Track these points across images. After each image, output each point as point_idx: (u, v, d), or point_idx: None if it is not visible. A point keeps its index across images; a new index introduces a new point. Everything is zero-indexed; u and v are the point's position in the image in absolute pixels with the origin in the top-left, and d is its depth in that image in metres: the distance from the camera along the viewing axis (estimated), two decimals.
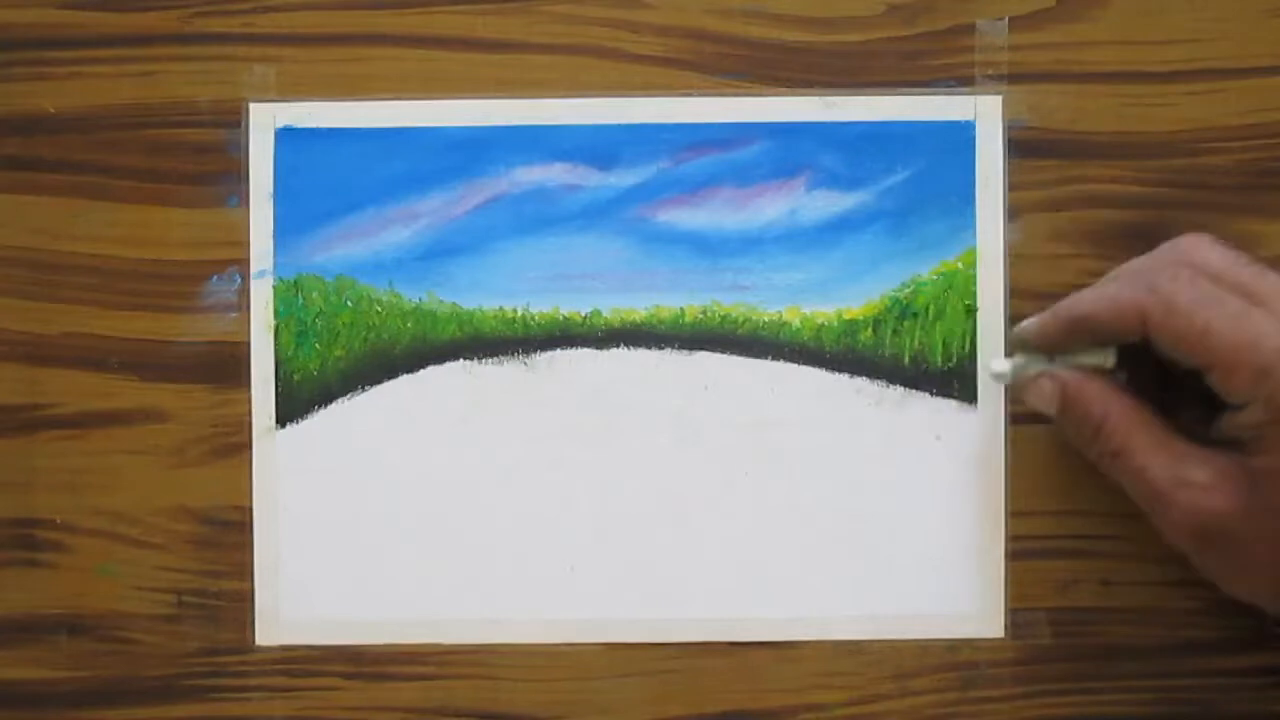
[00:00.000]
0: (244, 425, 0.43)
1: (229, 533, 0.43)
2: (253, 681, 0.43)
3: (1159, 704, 0.43)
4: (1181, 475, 0.37)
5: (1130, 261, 0.40)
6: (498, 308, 0.43)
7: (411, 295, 0.43)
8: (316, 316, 0.43)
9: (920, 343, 0.43)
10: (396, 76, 0.43)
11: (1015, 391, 0.41)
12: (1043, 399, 0.40)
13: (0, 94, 0.43)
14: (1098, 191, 0.43)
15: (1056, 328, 0.39)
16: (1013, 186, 0.43)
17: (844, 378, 0.43)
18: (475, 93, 0.43)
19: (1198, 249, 0.38)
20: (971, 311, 0.43)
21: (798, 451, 0.43)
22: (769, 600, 0.43)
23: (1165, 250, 0.39)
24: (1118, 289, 0.38)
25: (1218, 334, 0.36)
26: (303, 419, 0.43)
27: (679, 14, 0.43)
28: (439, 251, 0.43)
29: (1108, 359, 0.39)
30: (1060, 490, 0.43)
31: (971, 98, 0.43)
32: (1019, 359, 0.40)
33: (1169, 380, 0.39)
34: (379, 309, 0.43)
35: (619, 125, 0.43)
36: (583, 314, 0.43)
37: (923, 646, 0.43)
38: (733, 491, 0.43)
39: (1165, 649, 0.43)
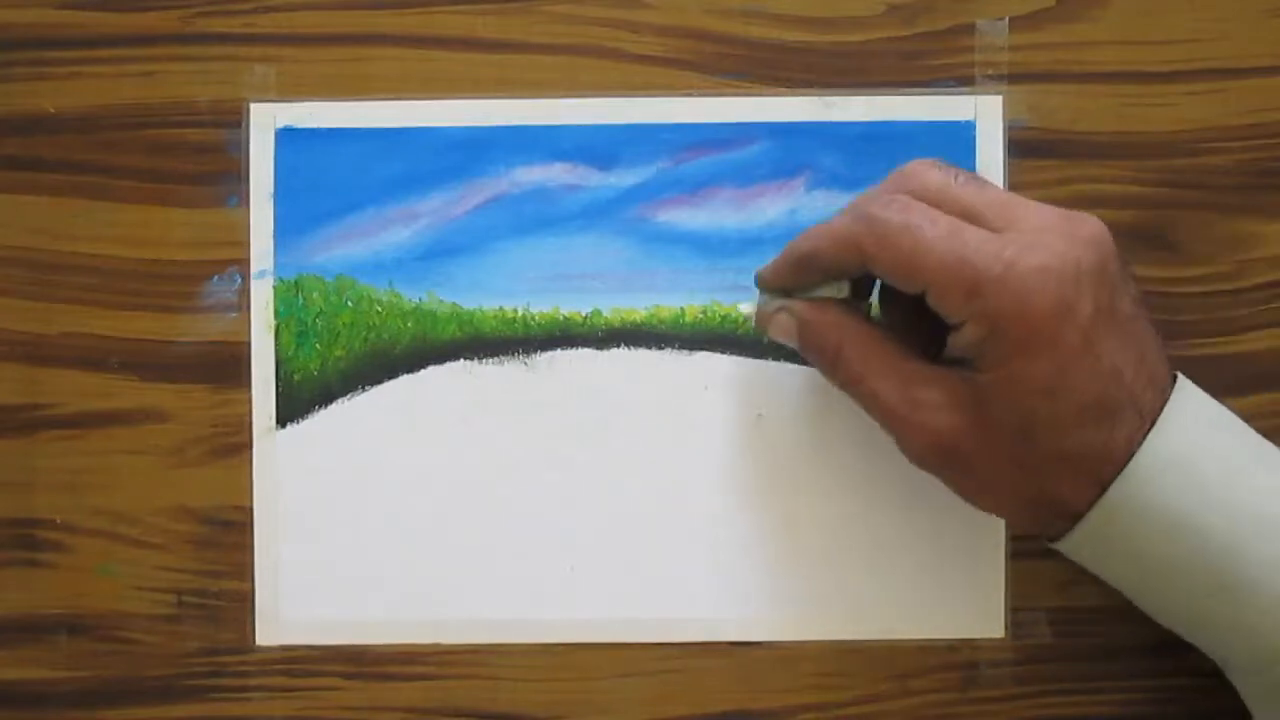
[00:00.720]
0: (244, 425, 0.43)
1: (229, 533, 0.43)
2: (253, 681, 0.43)
3: (1158, 704, 0.43)
4: (913, 397, 0.37)
5: (861, 194, 0.39)
6: (498, 308, 0.43)
7: (411, 295, 0.43)
8: (316, 316, 0.43)
9: None
10: (396, 76, 0.43)
11: (759, 328, 0.40)
12: (781, 331, 0.39)
13: (0, 94, 0.43)
14: (1098, 191, 0.43)
15: (787, 266, 0.39)
16: (1013, 186, 0.43)
17: None
18: (475, 93, 0.43)
19: (916, 173, 0.38)
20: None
21: (798, 451, 0.43)
22: (769, 600, 0.43)
23: (888, 178, 0.38)
24: (839, 222, 0.38)
25: (925, 255, 0.36)
26: (303, 419, 0.43)
27: (679, 14, 0.43)
28: (439, 251, 0.43)
29: (841, 290, 0.39)
30: None
31: (971, 98, 0.43)
32: (762, 298, 0.40)
33: (922, 306, 0.38)
34: (379, 309, 0.43)
35: (619, 125, 0.43)
36: (583, 314, 0.43)
37: (923, 646, 0.43)
38: (732, 491, 0.43)
39: (1165, 649, 0.43)
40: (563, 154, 0.43)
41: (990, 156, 0.43)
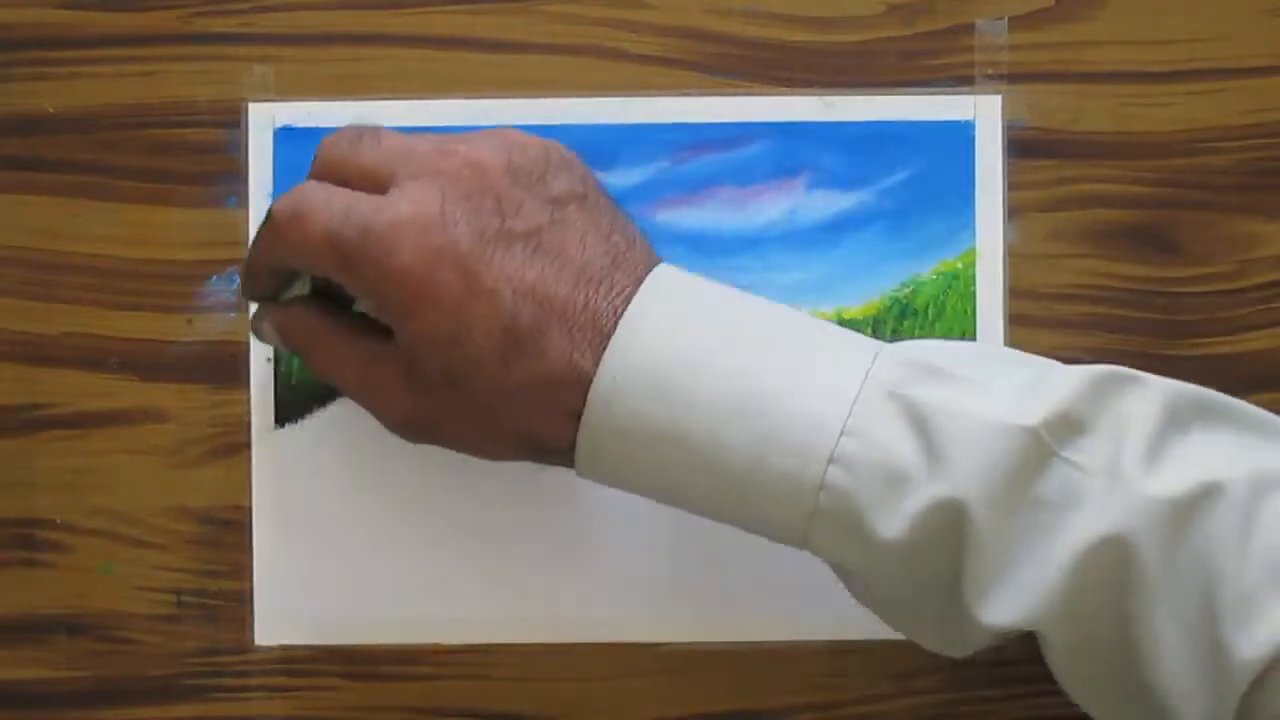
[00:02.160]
0: (244, 425, 0.43)
1: (229, 533, 0.43)
2: (253, 681, 0.43)
3: None
4: (370, 379, 0.36)
5: None
6: None
7: None
8: None
9: None
10: (396, 76, 0.43)
11: (256, 337, 0.40)
12: (268, 337, 0.39)
13: (0, 94, 0.43)
14: (1097, 191, 0.43)
15: (247, 280, 0.39)
16: (1013, 186, 0.43)
17: None
18: (475, 93, 0.43)
19: (323, 149, 0.37)
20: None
21: None
22: (769, 600, 0.43)
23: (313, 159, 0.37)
24: (261, 226, 0.37)
25: (307, 238, 0.35)
26: (303, 419, 0.43)
27: (679, 14, 0.43)
28: None
29: (304, 286, 0.39)
30: None
31: (971, 98, 0.43)
32: (253, 308, 0.40)
33: None
34: None
35: (619, 125, 0.43)
36: None
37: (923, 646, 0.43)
38: None
39: None
40: None
41: (990, 156, 0.43)
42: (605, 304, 0.34)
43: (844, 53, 0.43)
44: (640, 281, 0.35)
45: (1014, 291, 0.43)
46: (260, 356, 0.43)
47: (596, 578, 0.43)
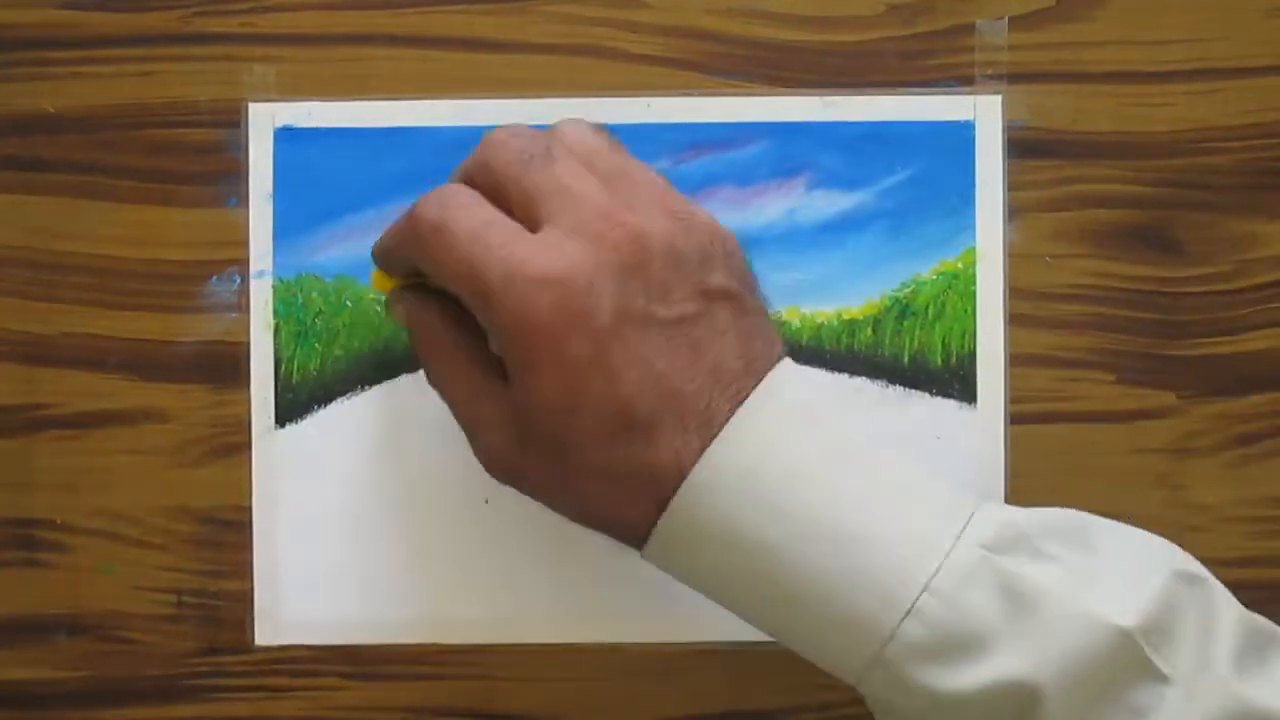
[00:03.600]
0: (244, 425, 0.43)
1: (229, 533, 0.43)
2: (253, 681, 0.43)
3: None
4: (476, 412, 0.35)
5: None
6: None
7: None
8: (316, 316, 0.43)
9: (920, 342, 0.43)
10: (396, 76, 0.43)
11: (389, 314, 0.39)
12: (401, 320, 0.38)
13: (0, 94, 0.43)
14: (1098, 191, 0.43)
15: (380, 253, 0.37)
16: (1013, 186, 0.43)
17: (844, 377, 0.43)
18: (475, 93, 0.43)
19: (491, 144, 0.35)
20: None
21: None
22: None
23: (478, 146, 0.36)
24: (404, 214, 0.36)
25: (448, 256, 0.34)
26: (303, 419, 0.43)
27: (679, 14, 0.43)
28: None
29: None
30: (1060, 490, 0.43)
31: (971, 98, 0.43)
32: (393, 290, 0.38)
33: None
34: (379, 309, 0.43)
35: (619, 125, 0.43)
36: None
37: None
38: None
39: None
40: None
41: (990, 156, 0.43)
42: (726, 406, 0.33)
43: (844, 53, 0.43)
44: (758, 378, 0.34)
45: (1014, 291, 0.43)
46: (261, 356, 0.43)
47: (596, 578, 0.43)
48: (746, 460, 0.33)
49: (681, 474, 0.33)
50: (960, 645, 0.32)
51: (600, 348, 0.32)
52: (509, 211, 0.34)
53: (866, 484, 0.34)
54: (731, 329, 0.34)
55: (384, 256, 0.38)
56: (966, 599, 0.32)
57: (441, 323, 0.37)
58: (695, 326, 0.33)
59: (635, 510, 0.34)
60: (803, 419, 0.34)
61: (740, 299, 0.34)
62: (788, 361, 0.35)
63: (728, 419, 0.33)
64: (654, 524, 0.33)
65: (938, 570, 0.32)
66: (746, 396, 0.33)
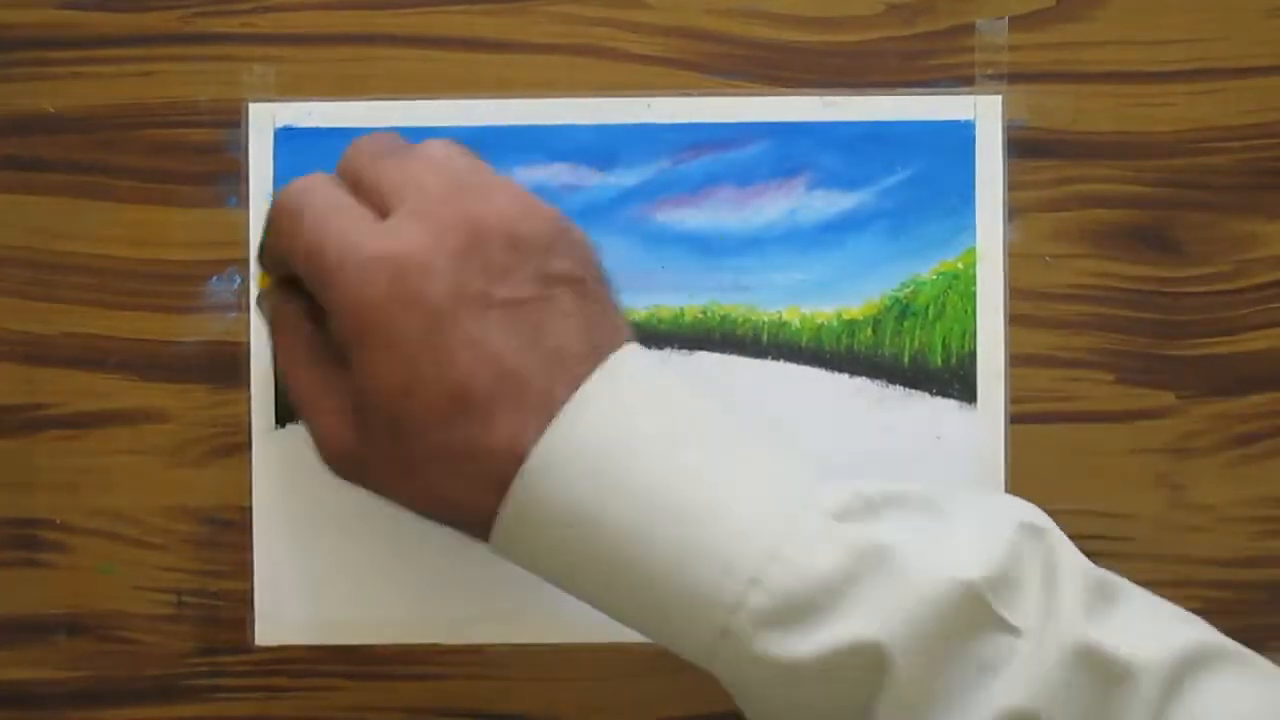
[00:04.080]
0: (244, 425, 0.43)
1: (229, 533, 0.43)
2: (253, 681, 0.43)
3: None
4: (317, 401, 0.35)
5: None
6: None
7: None
8: None
9: (920, 343, 0.43)
10: (396, 76, 0.43)
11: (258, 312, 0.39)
12: (265, 316, 0.38)
13: (0, 94, 0.43)
14: (1098, 191, 0.43)
15: (261, 255, 0.37)
16: (1013, 186, 0.43)
17: (844, 378, 0.43)
18: (475, 93, 0.43)
19: (356, 145, 0.36)
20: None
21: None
22: None
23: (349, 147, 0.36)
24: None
25: (296, 239, 0.34)
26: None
27: (679, 14, 0.43)
28: None
29: None
30: (1060, 490, 0.43)
31: (971, 98, 0.43)
32: (263, 288, 0.38)
33: None
34: None
35: (619, 125, 0.43)
36: None
37: None
38: None
39: None
40: (563, 154, 0.43)
41: (990, 156, 0.43)
42: (565, 391, 0.33)
43: (844, 53, 0.43)
44: (600, 357, 0.33)
45: (1014, 291, 0.43)
46: (261, 356, 0.43)
47: None
48: (586, 440, 0.32)
49: (520, 457, 0.32)
50: (805, 610, 0.32)
51: (434, 327, 0.32)
52: (363, 201, 0.35)
53: (710, 458, 0.33)
54: (575, 314, 0.34)
55: (261, 255, 0.38)
56: (811, 564, 0.32)
57: (298, 317, 0.37)
58: (536, 309, 0.33)
59: (476, 497, 0.33)
60: (645, 398, 0.34)
61: (584, 284, 0.34)
62: (634, 345, 0.35)
63: (569, 401, 0.33)
64: (495, 511, 0.33)
65: (781, 537, 0.32)
66: (590, 379, 0.33)
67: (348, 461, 0.35)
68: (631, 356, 0.34)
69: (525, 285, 0.33)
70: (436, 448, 0.33)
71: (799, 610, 0.32)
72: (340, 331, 0.34)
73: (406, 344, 0.32)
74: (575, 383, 0.33)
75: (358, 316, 0.33)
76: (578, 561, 0.34)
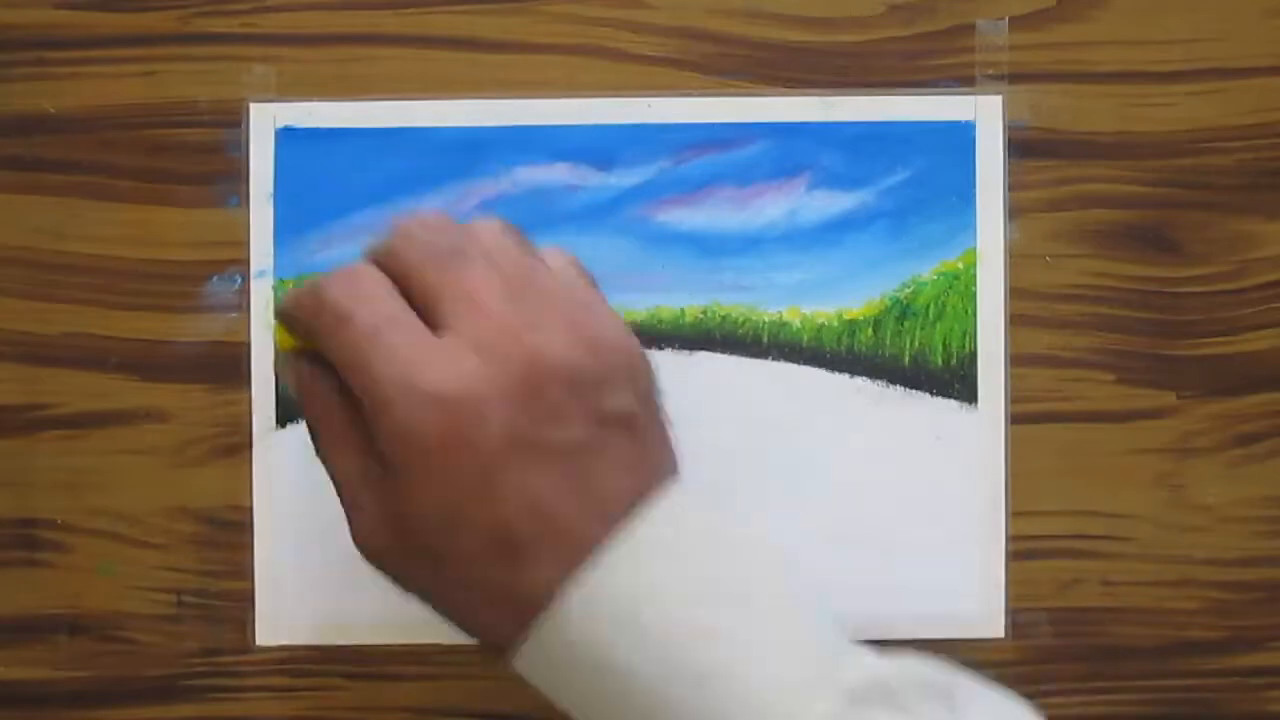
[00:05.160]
0: (244, 425, 0.43)
1: (229, 533, 0.43)
2: (253, 681, 0.43)
3: (1159, 704, 0.43)
4: (356, 496, 0.34)
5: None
6: None
7: None
8: None
9: (920, 343, 0.43)
10: (396, 76, 0.43)
11: (279, 374, 0.39)
12: (291, 384, 0.36)
13: (0, 94, 0.43)
14: (1098, 191, 0.43)
15: (287, 319, 0.35)
16: (1013, 186, 0.43)
17: (844, 378, 0.43)
18: (475, 93, 0.43)
19: (406, 232, 0.33)
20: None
21: (798, 451, 0.43)
22: None
23: (393, 225, 0.34)
24: (315, 282, 0.34)
25: (346, 350, 0.32)
26: (303, 419, 0.43)
27: (679, 14, 0.43)
28: None
29: None
30: (1060, 490, 0.43)
31: (971, 98, 0.43)
32: (284, 355, 0.36)
33: None
34: None
35: (619, 125, 0.43)
36: None
37: (922, 646, 0.43)
38: (732, 492, 0.43)
39: (1165, 649, 0.43)
40: (563, 154, 0.43)
41: (990, 157, 0.43)
42: (602, 532, 0.32)
43: (844, 53, 0.43)
44: (638, 505, 0.33)
45: (1014, 291, 0.43)
46: (262, 356, 0.43)
47: None
48: (615, 587, 0.32)
49: (551, 598, 0.32)
50: None
51: (484, 472, 0.32)
52: (411, 300, 0.34)
53: (735, 620, 0.33)
54: (623, 455, 0.33)
55: (288, 319, 0.35)
56: None
57: (336, 397, 0.35)
58: (584, 452, 0.33)
59: (502, 628, 0.33)
60: (677, 546, 0.33)
61: (637, 421, 0.34)
62: (679, 487, 0.34)
63: (605, 546, 0.32)
64: (520, 641, 0.33)
65: (795, 718, 0.32)
66: (627, 524, 0.33)
67: (379, 558, 0.35)
68: (669, 501, 0.34)
69: (578, 428, 0.33)
70: (472, 580, 0.33)
71: None
72: (387, 454, 0.33)
73: (454, 485, 0.32)
74: (612, 525, 0.32)
75: (406, 447, 0.32)
76: (594, 701, 0.33)
